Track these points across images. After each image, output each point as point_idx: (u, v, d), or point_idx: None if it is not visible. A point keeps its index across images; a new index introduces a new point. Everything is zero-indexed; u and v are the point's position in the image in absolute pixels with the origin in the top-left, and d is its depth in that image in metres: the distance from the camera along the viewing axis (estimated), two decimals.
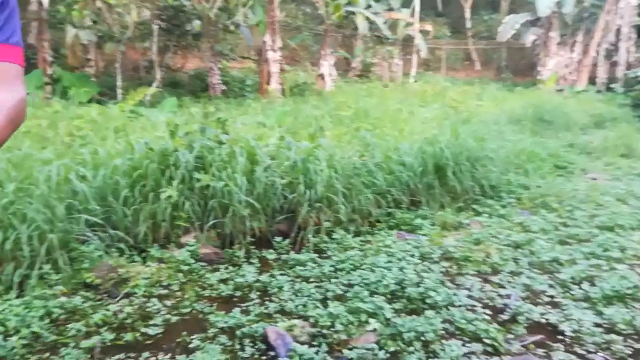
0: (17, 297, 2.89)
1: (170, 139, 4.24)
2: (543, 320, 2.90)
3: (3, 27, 1.07)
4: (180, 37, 12.13)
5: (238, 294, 3.18)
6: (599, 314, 2.93)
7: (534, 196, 5.33)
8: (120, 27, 10.02)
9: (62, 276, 3.10)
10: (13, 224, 3.19)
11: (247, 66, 16.68)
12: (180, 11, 11.06)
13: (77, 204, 3.52)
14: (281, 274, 3.42)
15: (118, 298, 3.05)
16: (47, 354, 2.50)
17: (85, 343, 2.57)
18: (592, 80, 18.67)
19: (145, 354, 2.52)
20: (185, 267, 3.40)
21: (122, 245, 3.54)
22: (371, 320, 2.82)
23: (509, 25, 19.23)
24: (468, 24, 24.22)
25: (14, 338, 2.54)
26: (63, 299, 2.92)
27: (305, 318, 2.87)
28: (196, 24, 10.90)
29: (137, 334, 2.70)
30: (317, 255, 3.74)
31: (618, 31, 18.01)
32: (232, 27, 12.35)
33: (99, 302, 2.99)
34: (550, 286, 3.32)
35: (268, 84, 12.18)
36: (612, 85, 17.30)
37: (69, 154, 4.35)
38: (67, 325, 2.72)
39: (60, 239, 3.21)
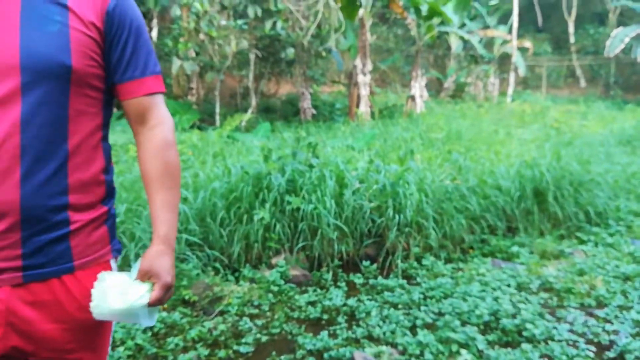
0: None
1: (264, 163, 4.42)
2: None
3: (150, 58, 1.22)
4: (275, 64, 12.66)
5: (326, 316, 3.21)
6: None
7: None
8: (220, 57, 10.67)
9: None
10: (123, 242, 3.48)
11: (337, 90, 16.98)
12: (276, 40, 11.56)
13: (178, 224, 3.75)
14: (369, 299, 3.40)
15: (213, 315, 3.19)
16: None
17: (183, 357, 2.71)
18: None
19: None
20: (275, 288, 3.49)
21: (217, 265, 3.72)
22: (462, 351, 2.71)
23: (617, 39, 17.95)
24: (572, 39, 22.97)
25: (121, 349, 2.74)
26: (164, 314, 3.10)
27: (393, 345, 2.82)
28: (290, 51, 11.33)
29: (230, 351, 2.80)
30: (405, 281, 3.68)
31: None
32: (323, 53, 12.67)
33: (195, 319, 3.15)
34: None
35: (357, 107, 12.30)
36: None
37: None
38: (166, 339, 2.88)
39: None
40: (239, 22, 10.55)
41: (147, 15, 11.42)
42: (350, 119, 12.13)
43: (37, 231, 1.08)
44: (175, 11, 10.65)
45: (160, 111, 1.24)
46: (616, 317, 3.13)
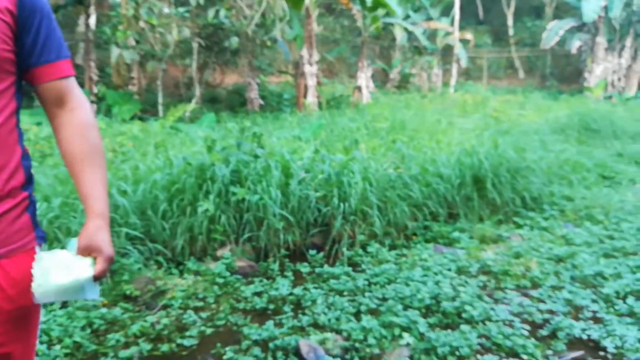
0: (61, 307, 3.00)
1: (207, 154, 4.34)
2: (584, 336, 2.79)
3: (62, 42, 1.23)
4: (219, 54, 12.43)
5: (272, 306, 3.20)
6: None
7: (578, 208, 5.15)
8: (162, 46, 10.37)
9: (103, 288, 3.21)
10: (58, 237, 3.34)
11: (285, 80, 16.90)
12: (219, 29, 11.34)
13: (118, 218, 3.64)
14: (315, 287, 3.42)
15: (156, 310, 3.12)
16: None
17: (123, 353, 2.64)
18: None
19: None
20: (221, 280, 3.45)
21: (160, 258, 3.64)
22: (405, 334, 2.78)
23: (553, 31, 18.77)
24: (510, 32, 23.83)
25: (57, 347, 2.64)
26: (104, 310, 3.01)
27: (338, 331, 2.86)
28: (234, 40, 11.14)
29: (173, 345, 2.75)
30: (351, 268, 3.72)
31: None
32: (269, 43, 12.56)
33: (137, 314, 3.07)
34: (593, 301, 3.19)
35: (305, 97, 12.30)
36: None
37: (112, 170, 4.51)
38: (107, 336, 2.80)
39: None
40: (181, 10, 10.27)
41: (84, 2, 10.92)
42: (298, 110, 12.12)
43: None
44: None
45: (77, 94, 1.26)
46: (549, 296, 3.29)
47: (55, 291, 1.12)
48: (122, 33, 9.65)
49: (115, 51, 9.92)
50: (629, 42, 18.62)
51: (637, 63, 18.37)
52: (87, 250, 1.17)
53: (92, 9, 11.12)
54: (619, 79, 18.80)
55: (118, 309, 3.04)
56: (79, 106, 1.25)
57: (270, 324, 2.92)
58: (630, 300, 3.13)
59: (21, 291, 1.14)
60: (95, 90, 11.00)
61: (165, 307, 3.16)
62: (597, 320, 2.97)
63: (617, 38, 18.83)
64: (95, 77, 11.12)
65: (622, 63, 18.68)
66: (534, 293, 3.35)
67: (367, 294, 3.29)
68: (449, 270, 3.66)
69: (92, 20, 11.20)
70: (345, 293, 3.34)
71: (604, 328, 2.85)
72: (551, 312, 3.09)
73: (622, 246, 4.07)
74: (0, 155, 1.12)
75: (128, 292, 3.20)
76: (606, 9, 17.67)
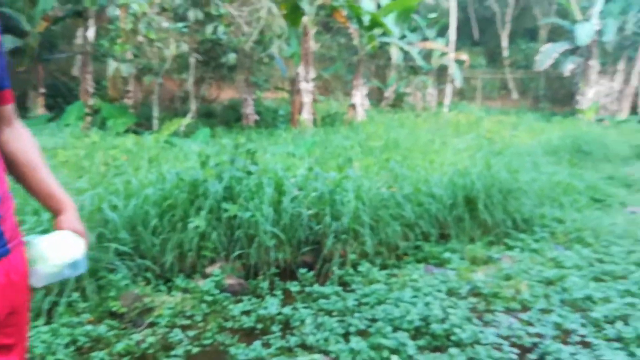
0: (45, 324, 2.96)
1: (201, 169, 4.33)
2: None
3: (4, 74, 1.37)
4: (216, 69, 12.48)
5: (260, 326, 3.17)
6: (632, 355, 2.79)
7: (569, 230, 5.16)
8: (159, 60, 10.40)
9: (90, 304, 3.18)
10: None
11: (281, 96, 16.97)
12: (217, 44, 11.41)
13: (107, 233, 3.61)
14: (304, 307, 3.40)
15: (142, 327, 3.08)
16: None
17: None
18: (634, 110, 18.20)
19: None
20: (209, 298, 3.42)
21: (148, 275, 3.60)
22: (393, 356, 2.76)
23: (547, 54, 19.00)
24: (505, 53, 24.10)
25: None
26: (89, 327, 2.97)
27: (326, 353, 2.83)
28: (232, 56, 11.20)
29: None
30: (341, 288, 3.70)
31: None
32: (266, 59, 12.63)
33: (123, 331, 3.03)
34: (582, 325, 3.18)
35: (300, 114, 12.34)
36: None
37: (103, 184, 4.49)
38: (90, 354, 2.76)
39: (89, 268, 3.28)
40: (179, 24, 10.33)
41: (83, 14, 10.98)
42: (293, 126, 12.15)
43: None
44: (113, 11, 10.29)
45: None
46: (538, 320, 3.28)
47: (58, 270, 1.30)
48: (120, 46, 9.66)
49: (112, 64, 9.94)
50: (621, 65, 18.89)
51: (629, 86, 18.60)
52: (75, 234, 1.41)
53: (91, 22, 11.18)
54: (611, 102, 19.01)
55: (103, 326, 3.00)
56: (22, 124, 1.47)
57: (257, 344, 2.90)
58: (619, 324, 3.12)
59: (25, 284, 1.31)
60: (90, 102, 11.01)
61: (151, 324, 3.12)
62: (585, 344, 2.96)
63: (610, 62, 19.09)
64: (91, 90, 11.13)
65: (614, 86, 18.92)
66: (523, 316, 3.34)
67: (356, 314, 3.26)
68: (439, 291, 3.65)
69: (91, 33, 11.26)
70: (334, 313, 3.32)
71: (592, 352, 2.84)
72: (540, 335, 3.08)
73: (611, 270, 4.07)
74: None
75: (114, 309, 3.17)
76: (600, 33, 17.93)
